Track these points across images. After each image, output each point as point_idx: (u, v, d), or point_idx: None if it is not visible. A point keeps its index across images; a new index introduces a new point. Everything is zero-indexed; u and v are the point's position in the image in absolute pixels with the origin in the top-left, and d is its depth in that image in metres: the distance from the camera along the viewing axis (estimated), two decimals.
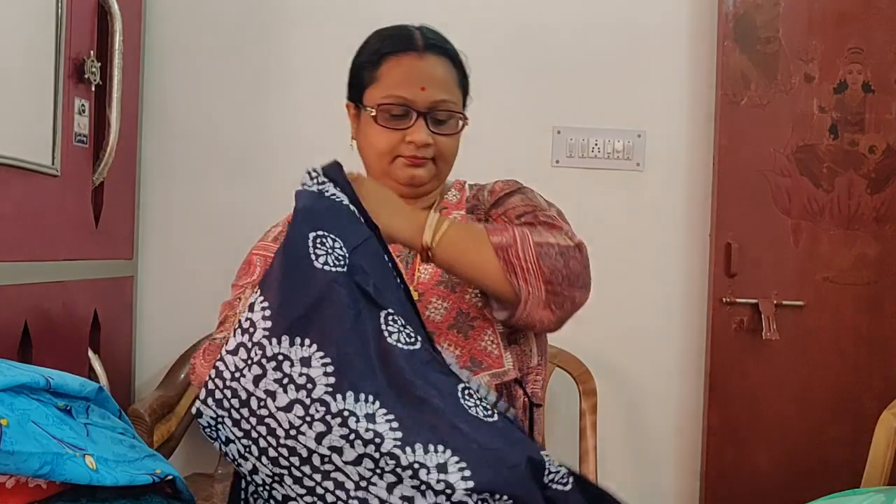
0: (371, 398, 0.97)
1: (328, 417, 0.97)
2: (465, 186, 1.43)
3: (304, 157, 2.81)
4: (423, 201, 1.37)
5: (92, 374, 2.22)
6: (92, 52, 2.16)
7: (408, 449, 0.95)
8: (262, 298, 1.03)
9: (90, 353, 2.24)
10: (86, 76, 2.11)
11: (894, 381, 2.61)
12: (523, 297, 1.15)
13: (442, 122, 1.30)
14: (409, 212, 1.17)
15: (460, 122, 1.32)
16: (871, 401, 2.55)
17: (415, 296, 1.23)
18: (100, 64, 2.17)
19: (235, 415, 1.03)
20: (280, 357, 1.00)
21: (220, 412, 1.05)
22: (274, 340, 1.00)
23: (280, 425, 0.99)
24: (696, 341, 2.73)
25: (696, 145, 2.73)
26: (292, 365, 0.99)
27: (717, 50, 2.67)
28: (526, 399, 1.29)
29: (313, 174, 1.16)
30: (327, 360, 0.99)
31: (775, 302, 2.64)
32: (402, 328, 1.05)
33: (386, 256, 1.11)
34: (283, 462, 1.00)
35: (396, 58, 1.31)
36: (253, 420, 1.01)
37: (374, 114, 1.29)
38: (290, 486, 1.01)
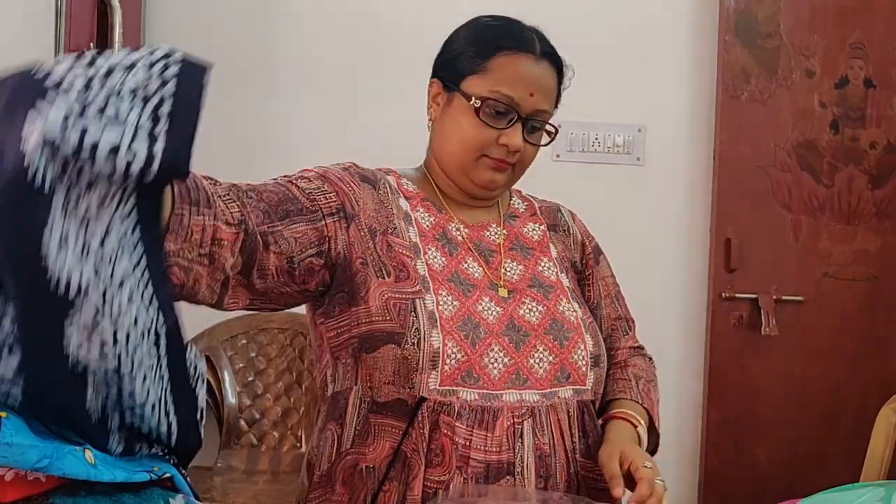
0: None
1: None
2: (526, 195, 1.41)
3: (305, 152, 2.82)
4: (486, 203, 1.32)
5: None
6: (91, 45, 2.15)
7: None
8: None
9: None
10: None
11: (893, 377, 2.61)
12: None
13: (534, 131, 1.25)
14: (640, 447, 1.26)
15: (553, 137, 1.29)
16: (870, 396, 2.55)
17: (504, 293, 1.22)
18: None
19: None
20: None
21: None
22: None
23: None
24: (695, 336, 2.73)
25: (696, 140, 2.72)
26: None
27: (717, 45, 2.66)
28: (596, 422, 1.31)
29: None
30: None
31: (775, 297, 2.64)
32: None
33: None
34: None
35: (514, 56, 1.24)
36: None
37: (478, 105, 1.21)
38: None
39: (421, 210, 1.26)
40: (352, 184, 1.22)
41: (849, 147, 2.66)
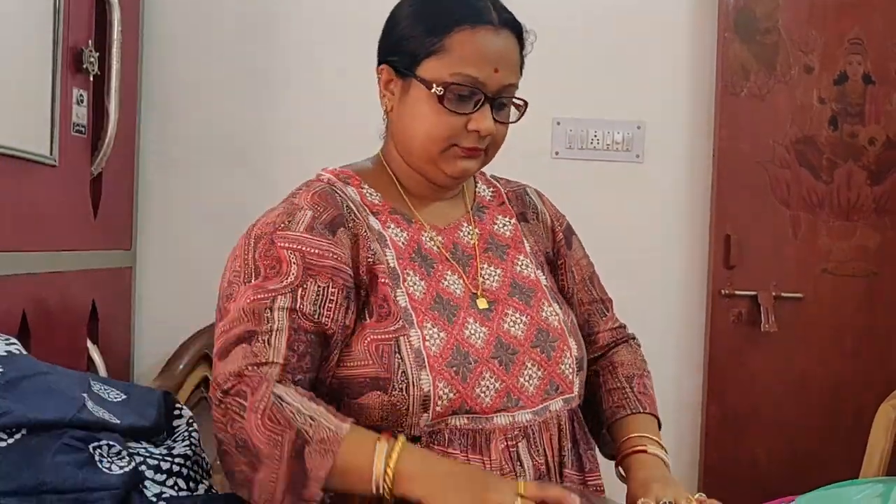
0: None
1: None
2: (491, 179, 1.32)
3: (304, 147, 2.83)
4: (452, 191, 1.23)
5: (91, 365, 2.22)
6: (90, 41, 2.15)
7: None
8: None
9: (89, 344, 2.24)
10: (84, 66, 2.10)
11: (893, 373, 2.61)
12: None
13: (502, 108, 1.15)
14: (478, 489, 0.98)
15: (523, 112, 1.20)
16: (869, 392, 2.55)
17: (483, 304, 1.16)
18: (98, 54, 2.16)
19: None
20: None
21: None
22: None
23: None
24: (695, 333, 2.73)
25: (695, 137, 2.72)
26: None
27: (716, 41, 2.66)
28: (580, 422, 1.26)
29: None
30: None
31: (774, 294, 2.63)
32: None
33: None
34: None
35: (472, 30, 1.10)
36: None
37: (441, 93, 1.09)
38: None
39: (392, 226, 1.16)
40: (330, 251, 1.09)
41: (848, 143, 2.66)
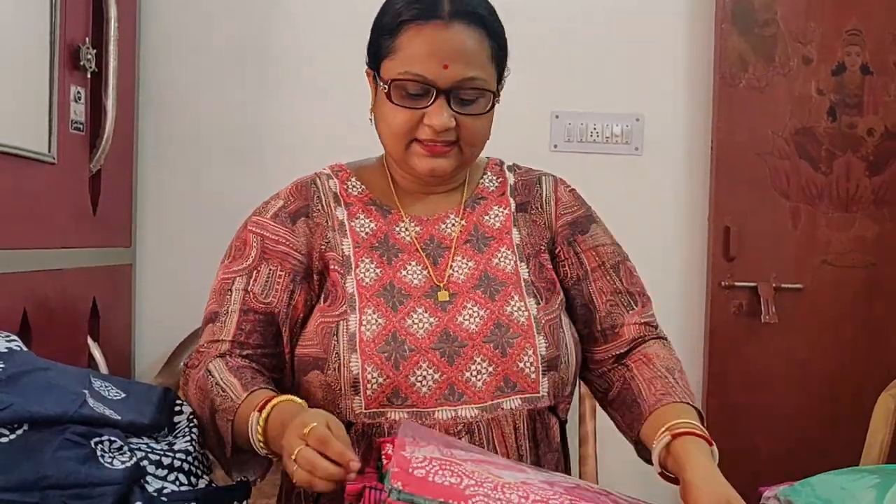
0: None
1: None
2: (505, 169, 1.28)
3: (303, 143, 2.83)
4: (450, 182, 1.22)
5: (91, 363, 2.22)
6: (87, 39, 2.15)
7: None
8: None
9: (89, 341, 2.24)
10: (81, 63, 2.10)
11: (893, 363, 2.62)
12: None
13: (468, 101, 1.11)
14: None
15: (493, 101, 1.14)
16: (869, 382, 2.55)
17: (444, 296, 1.15)
18: (95, 51, 2.16)
19: None
20: None
21: None
22: None
23: None
24: (695, 325, 2.74)
25: (694, 129, 2.72)
26: None
27: (714, 33, 2.65)
28: (559, 427, 1.22)
29: None
30: None
31: (774, 285, 2.64)
32: None
33: None
34: None
35: (417, 27, 1.10)
36: None
37: (386, 90, 1.12)
38: None
39: (361, 217, 1.20)
40: (284, 237, 1.18)
41: (846, 134, 2.66)
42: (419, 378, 1.10)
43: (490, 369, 1.13)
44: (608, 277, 1.25)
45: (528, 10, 2.71)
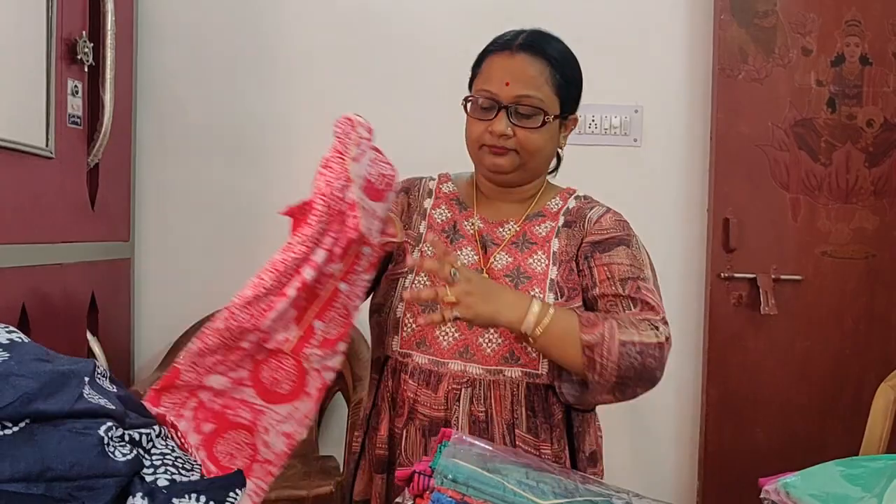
0: None
1: None
2: (571, 198, 1.49)
3: (301, 137, 2.82)
4: (518, 194, 1.46)
5: (90, 357, 2.22)
6: (84, 32, 2.14)
7: None
8: None
9: (88, 336, 2.24)
10: (78, 57, 2.09)
11: (892, 354, 2.62)
12: (592, 390, 1.30)
13: (525, 116, 1.36)
14: (511, 299, 1.25)
15: (546, 119, 1.37)
16: (869, 374, 2.56)
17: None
18: (92, 44, 2.15)
19: None
20: None
21: None
22: None
23: None
24: (694, 316, 2.74)
25: (693, 120, 2.72)
26: None
27: (713, 24, 2.65)
28: (562, 409, 1.38)
29: None
30: None
31: (774, 276, 2.64)
32: None
33: None
34: None
35: (492, 56, 1.40)
36: None
37: (467, 104, 1.41)
38: None
39: (442, 208, 1.49)
40: (396, 203, 1.47)
41: (846, 125, 2.65)
42: (443, 333, 1.36)
43: (500, 340, 1.35)
44: (614, 287, 1.37)
45: (526, 2, 2.71)
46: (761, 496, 1.19)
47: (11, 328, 0.99)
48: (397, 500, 1.06)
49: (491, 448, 1.13)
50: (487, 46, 1.43)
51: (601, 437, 1.49)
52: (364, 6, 2.70)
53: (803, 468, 1.22)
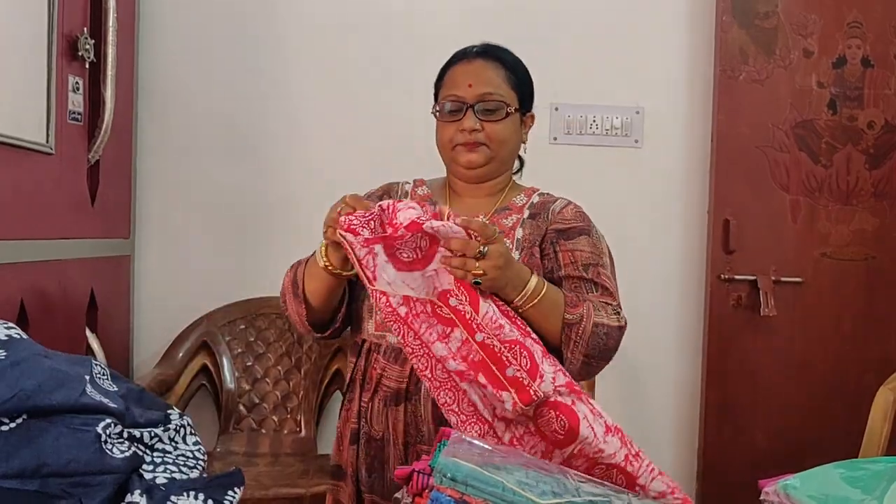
0: None
1: None
2: (535, 195, 1.62)
3: (302, 133, 2.81)
4: (488, 189, 1.58)
5: (89, 354, 2.22)
6: (85, 28, 2.14)
7: None
8: None
9: (88, 332, 2.24)
10: (79, 53, 2.09)
11: (892, 356, 2.62)
12: (565, 364, 1.37)
13: (490, 111, 1.52)
14: (517, 272, 1.36)
15: (508, 111, 1.53)
16: (868, 376, 2.56)
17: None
18: (93, 41, 2.15)
19: None
20: None
21: None
22: None
23: None
24: (694, 318, 2.74)
25: (694, 121, 2.72)
26: None
27: (715, 25, 2.65)
28: None
29: None
30: None
31: (773, 278, 2.64)
32: None
33: None
34: None
35: (453, 67, 1.57)
36: None
37: (436, 110, 1.56)
38: None
39: None
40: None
41: (847, 127, 2.65)
42: None
43: None
44: (577, 270, 1.50)
45: (527, 2, 2.70)
46: (761, 498, 1.19)
47: (10, 324, 0.99)
48: (396, 495, 1.07)
49: (490, 447, 1.12)
50: (446, 62, 1.59)
51: None
52: (365, 5, 2.70)
53: (803, 470, 1.22)
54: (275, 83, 2.69)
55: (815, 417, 2.66)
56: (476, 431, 1.26)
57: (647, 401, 2.76)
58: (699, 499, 2.70)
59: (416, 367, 1.30)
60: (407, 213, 1.27)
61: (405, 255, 1.29)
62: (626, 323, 1.45)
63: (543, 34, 2.70)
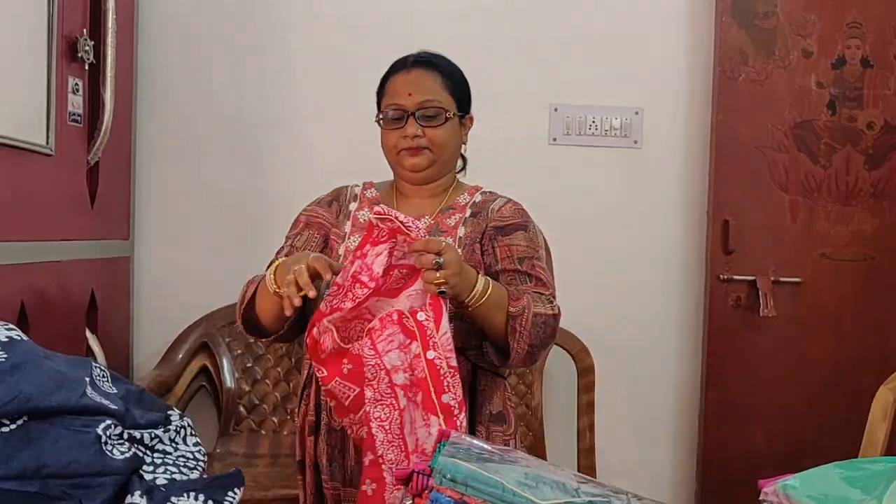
0: None
1: None
2: (478, 193, 1.70)
3: (301, 136, 2.81)
4: (432, 190, 1.67)
5: (89, 355, 2.22)
6: (85, 30, 2.14)
7: None
8: None
9: (88, 334, 2.24)
10: (79, 55, 2.09)
11: (891, 356, 2.62)
12: (512, 355, 1.49)
13: (430, 117, 1.60)
14: (467, 275, 1.43)
15: (447, 116, 1.61)
16: (868, 376, 2.55)
17: None
18: (93, 42, 2.15)
19: None
20: None
21: None
22: None
23: None
24: (693, 318, 2.74)
25: (693, 122, 2.72)
26: None
27: (714, 26, 2.65)
28: (469, 368, 1.57)
29: None
30: None
31: (773, 278, 2.64)
32: None
33: None
34: None
35: (393, 77, 1.65)
36: None
37: (379, 119, 1.64)
38: None
39: (365, 210, 1.66)
40: (321, 213, 1.68)
41: (846, 127, 2.66)
42: None
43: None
44: (513, 264, 1.59)
45: (527, 3, 2.71)
46: (760, 498, 1.19)
47: (10, 326, 0.99)
48: (396, 493, 1.07)
49: (490, 448, 1.12)
50: (386, 72, 1.67)
51: (511, 402, 1.65)
52: (365, 5, 2.70)
53: (802, 470, 1.22)
54: (275, 84, 2.69)
55: (814, 417, 2.66)
56: (392, 456, 1.31)
57: (647, 401, 2.77)
58: (699, 498, 2.70)
59: (365, 375, 1.34)
60: (379, 260, 1.36)
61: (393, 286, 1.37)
62: (559, 311, 1.53)
63: (543, 34, 2.70)
